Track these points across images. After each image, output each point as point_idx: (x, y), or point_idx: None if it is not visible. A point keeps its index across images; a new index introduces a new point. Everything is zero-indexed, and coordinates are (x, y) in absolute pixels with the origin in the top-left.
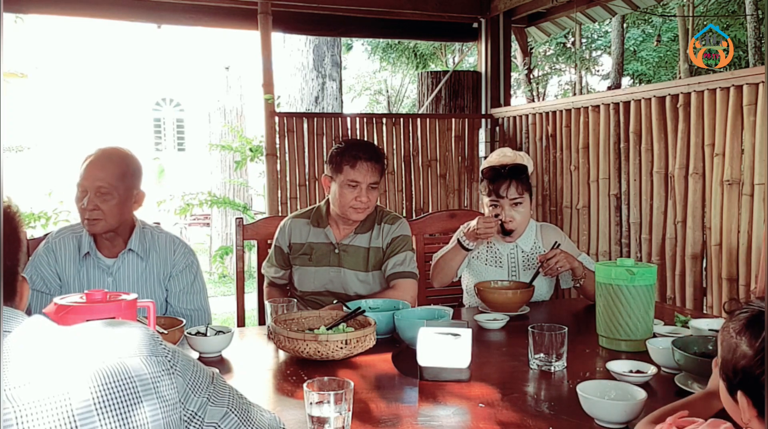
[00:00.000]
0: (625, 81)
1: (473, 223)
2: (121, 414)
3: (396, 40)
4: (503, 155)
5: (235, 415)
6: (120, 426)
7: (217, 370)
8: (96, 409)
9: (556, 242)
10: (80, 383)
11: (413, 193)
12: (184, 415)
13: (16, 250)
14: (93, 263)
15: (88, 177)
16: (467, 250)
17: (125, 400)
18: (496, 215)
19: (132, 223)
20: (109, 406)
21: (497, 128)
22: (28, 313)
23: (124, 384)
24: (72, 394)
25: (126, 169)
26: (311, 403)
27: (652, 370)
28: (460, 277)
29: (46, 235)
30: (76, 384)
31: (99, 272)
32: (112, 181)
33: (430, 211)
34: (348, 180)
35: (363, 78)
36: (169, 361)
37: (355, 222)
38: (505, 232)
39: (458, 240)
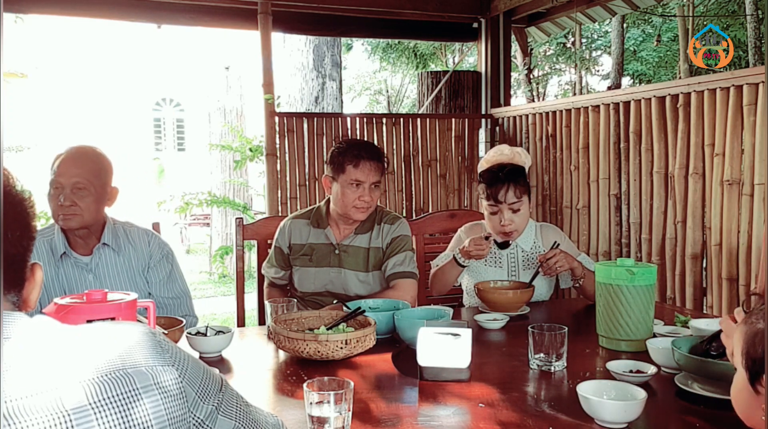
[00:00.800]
0: (625, 81)
1: (466, 242)
2: (120, 412)
3: (396, 40)
4: (500, 153)
5: None
6: (120, 424)
7: (217, 370)
8: (92, 408)
9: (555, 242)
10: (76, 383)
11: (413, 193)
12: (193, 423)
13: (23, 236)
14: (71, 263)
15: (63, 173)
16: (463, 266)
17: (124, 398)
18: (487, 238)
19: (104, 220)
20: (107, 404)
21: (497, 128)
22: None
23: (121, 382)
24: (66, 394)
25: (100, 165)
26: (311, 403)
27: (652, 370)
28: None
29: None
30: (72, 385)
31: (78, 271)
32: (89, 177)
33: (430, 211)
34: (351, 180)
35: (363, 78)
36: (177, 369)
37: (355, 222)
38: (502, 247)
39: (454, 256)
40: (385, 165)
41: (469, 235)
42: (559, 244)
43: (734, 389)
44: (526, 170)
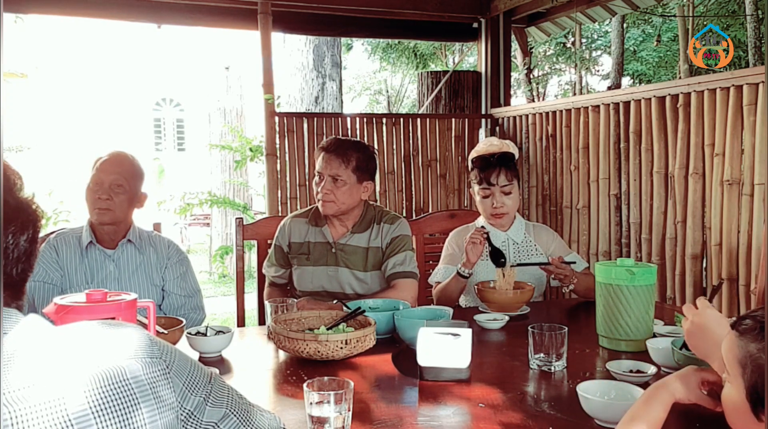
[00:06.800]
0: (625, 81)
1: (467, 249)
2: (119, 418)
3: (396, 40)
4: (490, 144)
5: (235, 417)
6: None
7: (217, 370)
8: (93, 414)
9: (573, 263)
10: (77, 387)
11: (413, 193)
12: (181, 414)
13: (30, 254)
14: (95, 253)
15: (105, 170)
16: (466, 277)
17: (123, 405)
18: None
19: (131, 222)
20: (107, 410)
21: (497, 128)
22: (32, 301)
23: (121, 388)
24: (68, 398)
25: (136, 170)
26: (311, 403)
27: (652, 370)
28: None
29: (48, 234)
30: (73, 388)
31: (101, 259)
32: (127, 177)
33: (430, 211)
34: (315, 172)
35: (363, 78)
36: (165, 360)
37: (348, 219)
38: (497, 264)
39: (457, 271)
40: (359, 161)
41: (460, 241)
42: (572, 263)
43: (729, 405)
44: (515, 158)
